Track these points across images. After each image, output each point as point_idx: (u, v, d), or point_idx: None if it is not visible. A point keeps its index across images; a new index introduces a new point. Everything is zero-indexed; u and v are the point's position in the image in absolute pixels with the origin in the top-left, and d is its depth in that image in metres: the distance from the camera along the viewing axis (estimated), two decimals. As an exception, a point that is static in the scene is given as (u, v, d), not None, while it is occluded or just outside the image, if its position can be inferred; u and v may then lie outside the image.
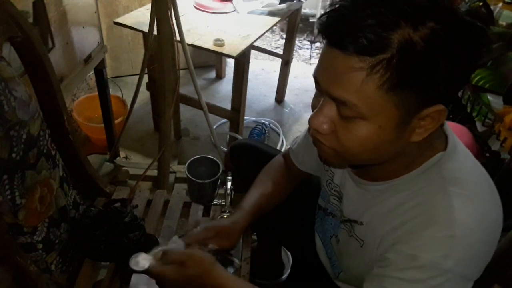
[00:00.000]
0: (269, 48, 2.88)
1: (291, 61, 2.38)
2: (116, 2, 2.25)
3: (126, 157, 1.91)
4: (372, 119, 0.54)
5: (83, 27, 1.32)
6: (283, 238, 1.19)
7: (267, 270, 1.32)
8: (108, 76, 1.58)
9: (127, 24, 1.60)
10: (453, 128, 0.66)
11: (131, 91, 1.61)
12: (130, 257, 0.73)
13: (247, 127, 2.21)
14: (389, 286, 0.60)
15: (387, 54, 0.49)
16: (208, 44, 1.50)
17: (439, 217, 0.58)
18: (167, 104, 1.42)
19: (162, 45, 1.30)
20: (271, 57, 2.94)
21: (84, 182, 1.11)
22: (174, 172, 1.67)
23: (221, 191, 1.18)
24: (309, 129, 0.62)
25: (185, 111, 2.17)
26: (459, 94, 1.71)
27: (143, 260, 0.72)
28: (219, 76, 2.73)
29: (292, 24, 2.17)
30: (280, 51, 2.67)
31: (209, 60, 2.73)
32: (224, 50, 1.49)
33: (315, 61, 3.01)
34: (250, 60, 1.82)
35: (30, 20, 1.03)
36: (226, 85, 2.64)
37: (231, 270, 0.87)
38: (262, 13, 1.81)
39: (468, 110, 1.62)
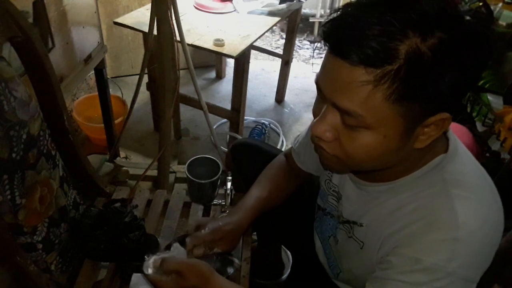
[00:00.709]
0: (269, 48, 2.88)
1: (291, 61, 2.38)
2: (116, 2, 2.25)
3: (126, 157, 1.92)
4: (377, 129, 0.54)
5: (83, 27, 1.32)
6: (283, 237, 1.19)
7: (267, 270, 1.32)
8: (108, 76, 1.58)
9: (127, 24, 1.60)
10: (453, 128, 0.66)
11: (131, 91, 1.61)
12: (144, 260, 0.76)
13: (247, 127, 2.21)
14: None
15: (394, 65, 0.48)
16: (208, 44, 1.50)
17: (441, 219, 0.58)
18: (167, 104, 1.42)
19: (162, 45, 1.30)
20: (271, 57, 2.94)
21: (84, 182, 1.11)
22: (174, 172, 1.67)
23: (221, 191, 1.18)
24: (311, 135, 0.62)
25: (185, 111, 2.17)
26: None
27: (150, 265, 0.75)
28: (219, 76, 2.72)
29: (292, 24, 2.17)
30: (280, 51, 2.67)
31: (209, 60, 2.72)
32: (224, 50, 1.49)
33: (315, 61, 3.00)
34: (250, 60, 1.82)
35: (30, 20, 1.03)
36: (226, 85, 2.64)
37: (231, 270, 0.87)
38: (262, 13, 1.81)
39: (468, 110, 1.62)
